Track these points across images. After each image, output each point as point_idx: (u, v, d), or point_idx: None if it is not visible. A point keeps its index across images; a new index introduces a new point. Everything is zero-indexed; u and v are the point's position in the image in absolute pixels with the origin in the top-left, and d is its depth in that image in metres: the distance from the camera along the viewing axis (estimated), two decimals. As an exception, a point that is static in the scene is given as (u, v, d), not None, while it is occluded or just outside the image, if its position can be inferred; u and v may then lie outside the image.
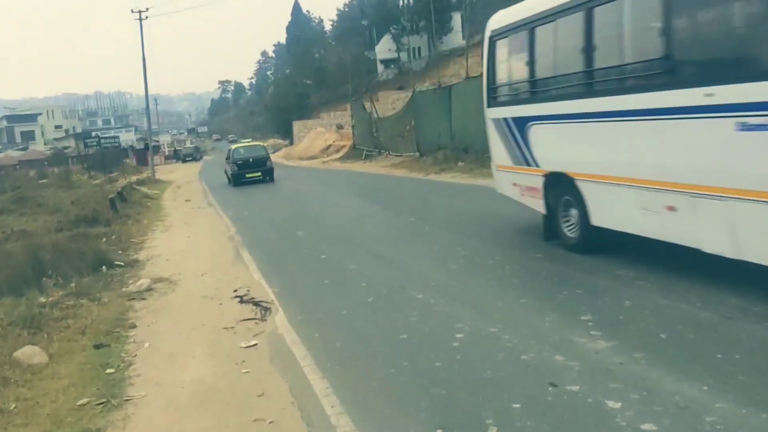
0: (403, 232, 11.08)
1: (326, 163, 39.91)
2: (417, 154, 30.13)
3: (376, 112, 39.01)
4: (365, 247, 10.02)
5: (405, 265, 8.37)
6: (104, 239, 13.07)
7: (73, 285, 8.58)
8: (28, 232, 13.31)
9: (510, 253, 8.23)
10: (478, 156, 24.20)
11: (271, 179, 26.75)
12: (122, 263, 10.64)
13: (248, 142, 39.57)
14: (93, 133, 73.42)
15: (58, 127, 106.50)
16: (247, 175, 26.52)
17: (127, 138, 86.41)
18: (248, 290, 7.77)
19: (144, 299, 7.78)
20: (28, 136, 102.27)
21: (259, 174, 26.66)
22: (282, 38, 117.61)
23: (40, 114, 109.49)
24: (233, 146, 32.15)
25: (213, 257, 10.71)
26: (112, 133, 75.02)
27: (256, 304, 7.00)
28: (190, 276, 9.25)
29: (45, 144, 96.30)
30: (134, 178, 33.21)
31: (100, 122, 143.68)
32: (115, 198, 18.22)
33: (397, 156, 33.17)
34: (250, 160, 27.29)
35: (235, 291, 7.80)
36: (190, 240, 12.90)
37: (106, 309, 7.49)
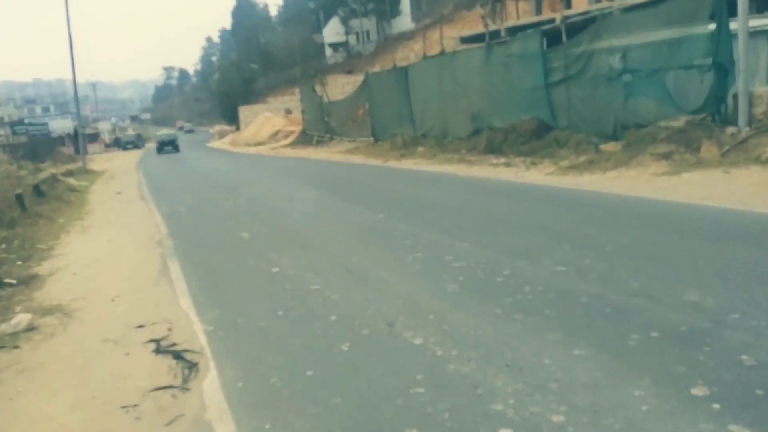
0: (374, 232, 9.02)
1: (275, 150, 37.47)
2: (372, 139, 28.14)
3: (327, 96, 36.73)
4: (328, 254, 7.92)
5: (384, 282, 6.32)
6: (3, 245, 10.60)
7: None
8: None
9: (521, 265, 6.27)
10: (438, 140, 22.35)
11: (177, 150, 46.17)
12: (14, 281, 8.27)
13: (167, 130, 60.22)
14: (27, 121, 68.86)
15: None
16: (164, 148, 46.96)
17: (64, 125, 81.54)
18: (170, 328, 5.59)
19: (17, 347, 5.47)
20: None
21: (171, 148, 46.76)
22: (227, 24, 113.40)
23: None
24: (158, 132, 53.93)
25: (133, 271, 8.43)
26: (45, 120, 70.32)
27: (178, 356, 4.82)
28: (96, 301, 6.98)
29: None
30: (63, 169, 30.08)
31: (39, 110, 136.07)
32: (29, 192, 15.57)
33: (350, 141, 31.13)
34: (167, 140, 48.50)
35: (151, 330, 5.61)
36: (109, 245, 10.54)
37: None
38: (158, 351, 5.02)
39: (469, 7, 51.74)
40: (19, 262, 9.66)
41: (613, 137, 14.68)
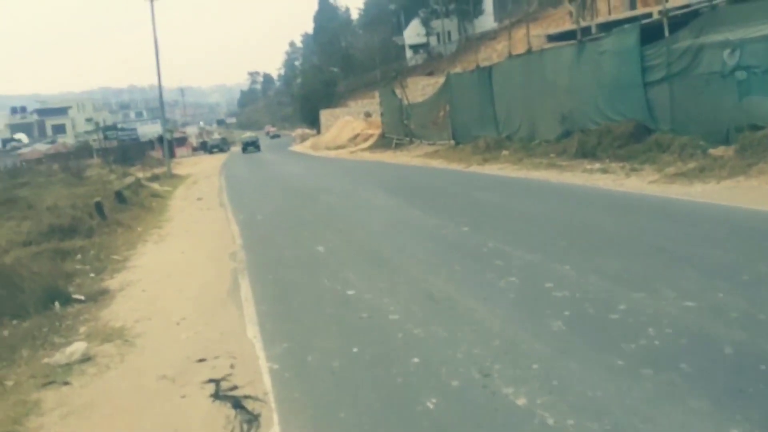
0: (458, 250, 8.18)
1: (354, 153, 37.12)
2: (452, 142, 27.24)
3: (407, 99, 36.05)
4: (408, 275, 7.15)
5: (474, 315, 5.49)
6: (79, 256, 10.44)
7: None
8: (-14, 249, 10.74)
9: (639, 298, 5.29)
10: (524, 143, 21.18)
11: (258, 149, 55.33)
12: (82, 297, 7.95)
13: (250, 133, 69.02)
14: (119, 125, 71.92)
15: (88, 120, 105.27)
16: (248, 148, 56.37)
17: (152, 130, 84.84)
18: (232, 365, 4.96)
19: (67, 383, 4.98)
20: (59, 129, 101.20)
21: (253, 147, 56.16)
22: (309, 28, 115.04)
23: (71, 107, 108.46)
24: (242, 135, 63.79)
25: (202, 288, 7.94)
26: (138, 126, 73.28)
27: (238, 404, 4.16)
28: (160, 325, 6.49)
29: (76, 137, 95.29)
30: (150, 173, 30.80)
31: (132, 115, 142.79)
32: (111, 199, 15.65)
33: (430, 144, 30.33)
34: (250, 141, 58.74)
35: (213, 366, 5.00)
36: (183, 257, 10.17)
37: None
38: (217, 395, 4.39)
39: (555, 5, 49.86)
40: (92, 275, 9.41)
41: (725, 141, 13.23)
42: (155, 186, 23.01)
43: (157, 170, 34.48)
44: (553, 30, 31.41)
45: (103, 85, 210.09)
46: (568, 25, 30.61)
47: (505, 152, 21.13)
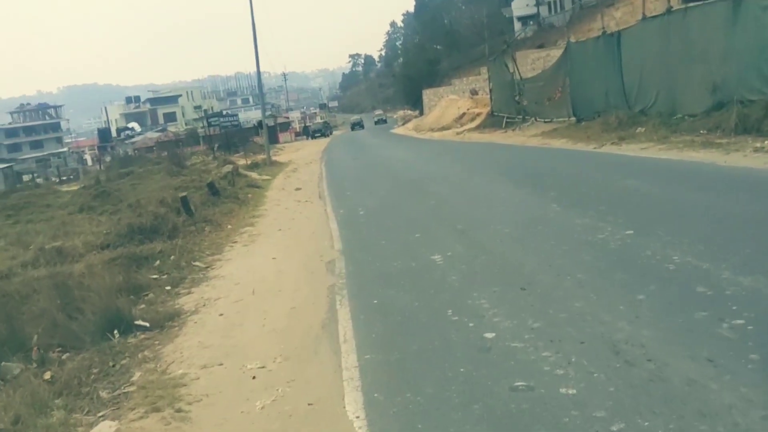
0: (630, 266, 5.94)
1: (461, 134, 34.78)
2: (573, 119, 24.38)
3: (519, 73, 33.23)
4: (567, 308, 5.07)
5: (710, 401, 3.35)
6: (157, 262, 9.05)
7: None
8: (63, 252, 9.57)
9: None
10: (663, 119, 18.14)
11: (363, 128, 63.58)
12: (147, 324, 6.42)
13: (357, 116, 72.15)
14: (225, 112, 72.92)
15: (197, 107, 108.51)
16: (355, 127, 65.98)
17: (258, 116, 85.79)
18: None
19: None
20: (170, 117, 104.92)
21: (359, 126, 65.40)
22: (411, 7, 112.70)
23: (180, 96, 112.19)
24: (352, 118, 69.45)
25: (292, 315, 6.20)
26: (241, 112, 74.14)
27: None
28: (230, 382, 4.77)
29: (186, 125, 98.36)
30: (251, 160, 29.94)
31: (239, 101, 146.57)
32: (202, 191, 14.41)
33: (546, 122, 27.53)
34: (357, 122, 70.79)
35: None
36: (273, 265, 8.51)
37: None
38: None
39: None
40: (168, 287, 7.94)
41: None
42: (253, 175, 21.86)
43: (260, 157, 33.70)
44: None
45: (212, 74, 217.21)
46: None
47: (640, 129, 18.22)
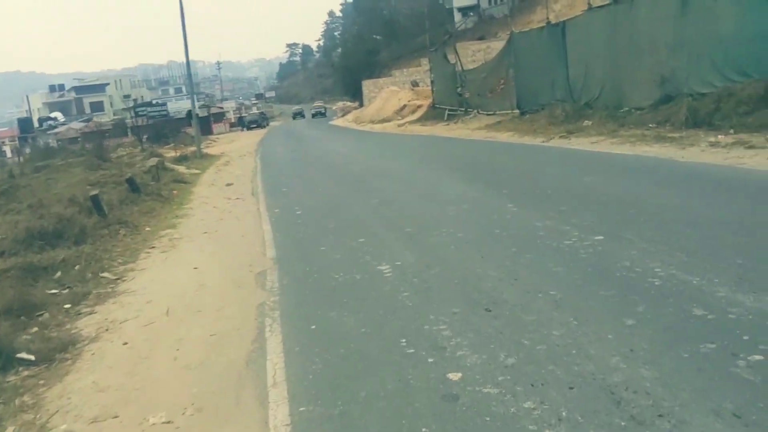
0: (606, 279, 5.12)
1: (403, 127, 33.97)
2: (516, 111, 23.88)
3: (461, 65, 32.62)
4: (545, 338, 4.21)
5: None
6: (58, 274, 7.75)
7: None
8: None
9: None
10: (609, 111, 17.72)
11: (304, 117, 67.23)
12: (32, 357, 5.22)
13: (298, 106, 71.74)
14: (155, 102, 69.83)
15: (126, 97, 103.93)
16: (296, 117, 67.55)
17: (184, 106, 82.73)
18: None
19: None
20: (97, 107, 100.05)
21: (300, 116, 66.10)
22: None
23: (108, 84, 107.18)
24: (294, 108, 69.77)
25: (212, 344, 5.12)
26: (173, 102, 71.23)
27: None
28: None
29: (114, 115, 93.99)
30: (180, 152, 28.23)
31: (172, 91, 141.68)
32: (121, 188, 13.02)
33: (489, 115, 27.03)
34: (298, 111, 71.24)
35: None
36: (194, 276, 7.35)
37: None
38: None
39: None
40: (67, 305, 6.69)
41: None
42: (181, 169, 20.34)
43: (191, 149, 31.94)
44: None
45: (144, 62, 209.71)
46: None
47: (587, 122, 17.77)
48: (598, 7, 19.89)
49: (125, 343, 5.46)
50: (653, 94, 16.31)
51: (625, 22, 17.60)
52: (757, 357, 3.57)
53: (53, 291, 7.25)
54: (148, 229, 10.36)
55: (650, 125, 15.02)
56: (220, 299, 6.30)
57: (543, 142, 16.01)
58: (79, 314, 6.49)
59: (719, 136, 12.33)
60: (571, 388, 3.53)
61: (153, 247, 9.17)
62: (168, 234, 9.99)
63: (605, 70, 18.72)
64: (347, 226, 8.75)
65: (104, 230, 9.72)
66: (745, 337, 3.81)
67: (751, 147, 10.35)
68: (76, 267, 8.00)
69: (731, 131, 12.41)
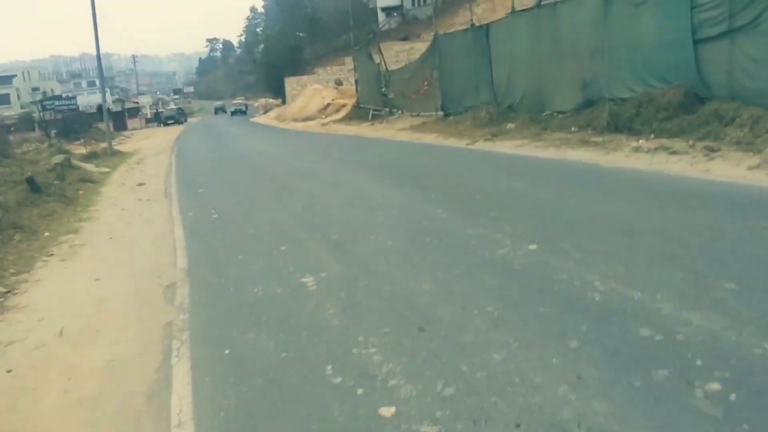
0: (546, 296, 4.84)
1: (326, 126, 33.39)
2: (440, 113, 23.79)
3: (385, 65, 32.37)
4: (481, 357, 3.85)
5: None
6: (-65, 287, 6.82)
7: None
8: None
9: None
10: (532, 115, 17.84)
11: (225, 112, 69.20)
12: None
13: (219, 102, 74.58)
14: (65, 95, 66.21)
15: (35, 89, 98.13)
16: (218, 112, 67.46)
17: (95, 101, 78.95)
18: None
19: None
20: (3, 99, 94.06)
21: (222, 112, 67.90)
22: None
23: (15, 76, 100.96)
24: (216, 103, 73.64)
25: (108, 375, 4.48)
26: (84, 95, 67.74)
27: None
28: None
29: (21, 108, 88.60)
30: (90, 149, 26.62)
31: (84, 84, 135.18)
32: (20, 188, 11.92)
33: (413, 116, 26.87)
34: (219, 107, 75.07)
35: None
36: (95, 289, 6.61)
37: None
38: None
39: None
40: (-58, 326, 5.83)
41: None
42: (89, 167, 19.04)
43: (102, 145, 30.29)
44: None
45: (55, 54, 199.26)
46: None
47: (510, 125, 17.81)
48: (522, 10, 20.03)
49: (9, 371, 4.73)
50: (575, 98, 16.48)
51: (548, 27, 17.73)
52: (714, 386, 3.31)
53: (-73, 308, 6.34)
54: (47, 234, 9.41)
55: (573, 129, 15.14)
56: (122, 317, 5.63)
57: (468, 144, 15.87)
58: (-45, 337, 5.65)
59: (641, 141, 12.48)
60: (518, 425, 3.16)
61: (51, 255, 8.30)
62: (69, 240, 9.10)
63: (528, 73, 18.83)
64: (268, 232, 8.18)
65: (-5, 235, 8.74)
66: (698, 362, 3.56)
67: (674, 152, 10.45)
68: (-43, 279, 7.08)
69: (652, 136, 12.60)
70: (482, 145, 15.27)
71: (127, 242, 8.74)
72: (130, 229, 9.61)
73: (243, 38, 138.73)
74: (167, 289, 6.22)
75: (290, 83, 56.99)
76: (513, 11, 20.26)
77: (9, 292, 6.82)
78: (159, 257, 7.59)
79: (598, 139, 13.47)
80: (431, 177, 11.09)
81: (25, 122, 55.77)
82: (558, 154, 12.24)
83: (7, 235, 8.90)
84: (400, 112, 29.25)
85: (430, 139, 18.90)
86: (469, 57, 21.97)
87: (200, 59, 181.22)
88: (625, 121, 13.94)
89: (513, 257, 5.85)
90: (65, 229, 9.86)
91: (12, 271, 7.56)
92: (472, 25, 22.65)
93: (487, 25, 21.76)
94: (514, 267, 5.60)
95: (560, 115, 16.76)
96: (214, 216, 9.79)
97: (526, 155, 12.60)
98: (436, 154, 15.06)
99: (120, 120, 59.14)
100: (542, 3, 18.95)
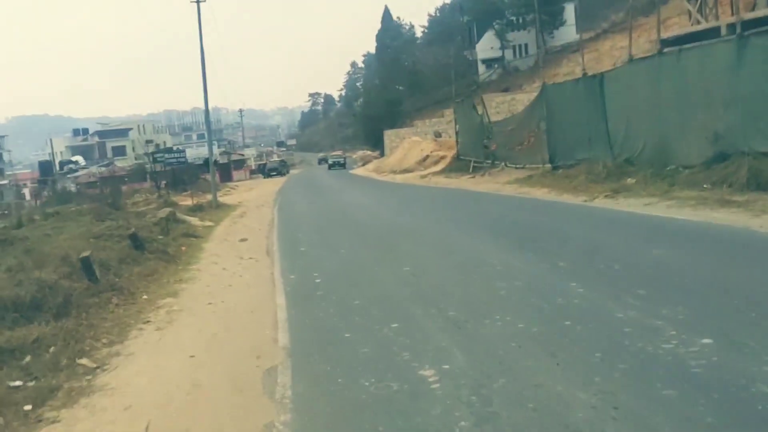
0: (748, 417, 3.66)
1: (426, 178, 32.78)
2: (548, 165, 22.53)
3: (488, 116, 31.59)
4: None
5: None
6: (27, 358, 6.39)
7: None
8: None
9: None
10: (655, 170, 16.29)
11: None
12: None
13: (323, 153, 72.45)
14: (176, 147, 69.73)
15: (148, 142, 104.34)
16: (321, 163, 74.51)
17: (201, 153, 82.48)
18: None
19: None
20: (119, 151, 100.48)
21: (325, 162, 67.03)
22: (372, 48, 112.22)
23: (131, 129, 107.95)
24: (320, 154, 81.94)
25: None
26: (194, 147, 71.03)
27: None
28: None
29: (136, 159, 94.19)
30: (197, 201, 27.16)
31: (194, 136, 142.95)
32: (123, 245, 11.78)
33: (518, 168, 25.75)
34: (322, 158, 74.37)
35: None
36: (189, 370, 5.94)
37: None
38: None
39: (645, 13, 44.86)
40: (28, 407, 5.31)
41: None
42: (194, 220, 19.13)
43: (208, 196, 30.95)
44: (670, 34, 26.41)
45: (168, 108, 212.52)
46: (674, 30, 25.66)
47: (630, 180, 16.37)
48: (641, 58, 18.75)
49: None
50: (704, 151, 14.92)
51: (671, 75, 16.35)
52: None
53: (16, 383, 5.88)
54: (145, 297, 9.00)
55: (704, 186, 13.61)
56: (213, 411, 4.87)
57: (586, 201, 14.61)
58: (40, 421, 5.10)
59: (794, 201, 10.90)
60: None
61: (147, 322, 7.80)
62: (167, 304, 8.62)
63: (649, 124, 17.40)
64: (376, 303, 7.33)
65: (94, 299, 8.38)
66: None
67: None
68: (51, 349, 6.64)
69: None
70: (603, 203, 13.98)
71: (226, 309, 8.14)
72: (230, 294, 9.05)
73: (343, 92, 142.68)
74: (267, 375, 5.44)
75: (389, 135, 57.33)
76: (631, 59, 19.01)
77: (98, 368, 6.28)
78: (258, 330, 6.89)
79: (739, 198, 11.92)
80: (553, 240, 9.95)
81: (138, 173, 58.93)
82: (696, 215, 10.81)
83: (105, 298, 8.53)
84: (503, 164, 28.25)
85: (540, 194, 17.73)
86: (581, 107, 20.77)
87: (302, 113, 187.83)
88: (768, 177, 12.34)
89: (684, 355, 4.68)
90: (164, 291, 9.44)
91: (105, 341, 7.07)
92: (585, 74, 21.50)
93: (602, 74, 20.57)
94: (690, 369, 4.43)
95: (687, 170, 15.21)
96: (318, 281, 9.08)
97: (658, 216, 11.23)
98: (553, 212, 13.89)
99: (226, 171, 61.33)
100: (665, 50, 17.66)
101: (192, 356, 6.29)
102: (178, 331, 7.32)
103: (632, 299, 6.17)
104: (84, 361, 6.43)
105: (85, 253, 8.84)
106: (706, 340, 4.91)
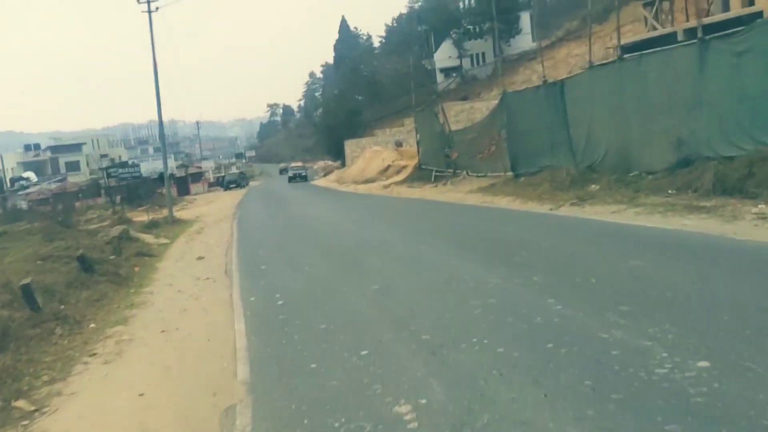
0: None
1: (389, 188, 32.39)
2: (510, 174, 22.37)
3: (449, 125, 31.41)
4: None
5: None
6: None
7: None
8: None
9: None
10: (618, 176, 16.20)
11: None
12: None
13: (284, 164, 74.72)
14: (131, 161, 68.00)
15: (103, 156, 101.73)
16: (282, 173, 72.32)
17: (169, 165, 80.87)
18: None
19: None
20: (73, 166, 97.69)
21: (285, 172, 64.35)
22: (330, 58, 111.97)
23: (85, 144, 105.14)
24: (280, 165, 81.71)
25: None
26: (149, 161, 69.42)
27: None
28: None
29: (90, 175, 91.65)
30: (152, 217, 26.21)
31: (151, 150, 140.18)
32: (69, 269, 11.04)
33: (479, 177, 25.56)
34: (284, 168, 75.79)
35: None
36: (137, 412, 5.35)
37: None
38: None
39: (599, 21, 45.48)
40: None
41: None
42: (148, 238, 18.30)
43: (165, 212, 29.98)
44: (627, 41, 26.57)
45: (124, 121, 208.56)
46: (630, 37, 25.91)
47: (594, 186, 16.24)
48: (601, 64, 18.73)
49: None
50: (668, 157, 14.88)
51: (633, 80, 16.32)
52: None
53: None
54: (92, 325, 8.33)
55: (669, 191, 13.52)
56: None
57: (552, 209, 14.37)
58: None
59: (760, 206, 10.80)
60: None
61: (94, 354, 7.15)
62: (116, 333, 7.97)
63: (611, 131, 17.35)
64: (343, 328, 6.84)
65: (35, 329, 7.69)
66: None
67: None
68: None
69: (770, 200, 10.93)
70: (569, 211, 13.75)
71: (181, 338, 7.53)
72: (185, 319, 8.44)
73: (302, 102, 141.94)
74: (224, 416, 4.91)
75: (350, 145, 56.87)
76: (591, 66, 18.96)
77: (37, 410, 5.64)
78: (216, 363, 6.33)
79: (707, 203, 11.81)
80: (524, 251, 9.60)
81: (92, 189, 57.10)
82: (667, 222, 10.61)
83: (47, 328, 7.84)
84: (464, 173, 28.05)
85: (504, 202, 17.48)
86: (542, 114, 20.65)
87: (261, 124, 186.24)
88: (735, 182, 12.30)
89: (682, 382, 4.32)
90: (114, 318, 8.76)
91: (45, 378, 6.42)
92: (545, 81, 21.40)
93: (563, 80, 20.49)
94: (690, 398, 4.07)
95: (650, 176, 15.15)
96: (280, 303, 8.53)
97: (629, 224, 11.00)
98: (520, 222, 13.60)
99: (183, 184, 59.99)
100: (625, 56, 17.65)
101: (141, 394, 5.69)
102: (127, 365, 6.70)
103: (615, 316, 5.82)
104: (20, 403, 5.78)
105: (26, 280, 8.13)
106: (702, 363, 4.56)
